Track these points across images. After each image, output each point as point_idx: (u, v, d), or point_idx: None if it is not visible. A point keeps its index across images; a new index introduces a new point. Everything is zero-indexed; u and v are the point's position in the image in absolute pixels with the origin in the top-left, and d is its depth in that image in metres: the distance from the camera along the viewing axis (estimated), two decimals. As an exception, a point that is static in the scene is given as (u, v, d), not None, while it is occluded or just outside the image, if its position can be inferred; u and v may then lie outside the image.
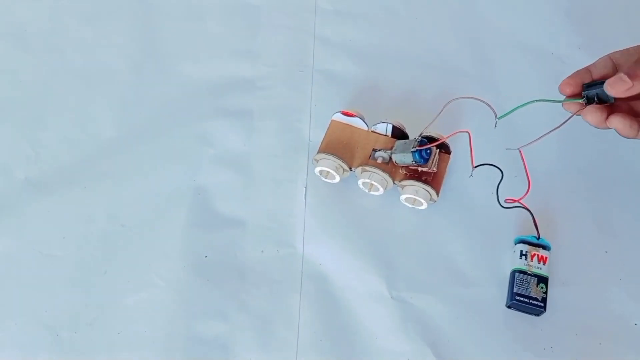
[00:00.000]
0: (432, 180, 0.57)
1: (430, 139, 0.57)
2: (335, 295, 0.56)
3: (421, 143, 0.55)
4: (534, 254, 0.55)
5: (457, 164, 0.60)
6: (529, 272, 0.55)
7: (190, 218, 0.60)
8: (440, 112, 0.52)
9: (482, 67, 0.69)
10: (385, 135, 0.59)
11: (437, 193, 0.57)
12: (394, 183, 0.57)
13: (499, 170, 0.55)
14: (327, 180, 0.60)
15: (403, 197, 0.58)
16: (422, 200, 0.57)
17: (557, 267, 0.56)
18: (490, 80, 0.68)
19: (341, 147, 0.59)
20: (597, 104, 0.47)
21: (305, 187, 0.61)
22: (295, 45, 0.72)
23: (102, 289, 0.57)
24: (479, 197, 0.60)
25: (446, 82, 0.68)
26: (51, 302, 0.56)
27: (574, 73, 0.48)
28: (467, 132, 0.52)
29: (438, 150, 0.57)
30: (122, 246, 0.59)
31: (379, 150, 0.58)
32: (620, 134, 0.47)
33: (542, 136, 0.49)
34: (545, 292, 0.54)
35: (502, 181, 0.56)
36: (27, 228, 0.60)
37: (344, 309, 0.55)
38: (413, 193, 0.57)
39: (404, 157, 0.55)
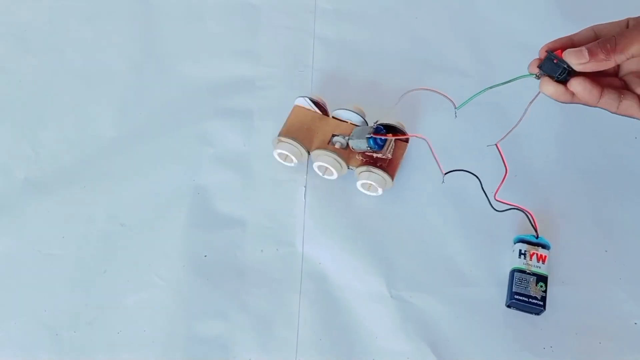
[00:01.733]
0: (387, 166, 0.58)
1: (388, 127, 0.58)
2: (335, 294, 0.56)
3: (377, 130, 0.56)
4: (533, 253, 0.55)
5: (457, 164, 0.60)
6: (528, 271, 0.55)
7: (190, 218, 0.60)
8: (398, 102, 0.54)
9: (482, 67, 0.69)
10: (346, 122, 0.60)
11: (392, 178, 0.58)
12: (349, 168, 0.59)
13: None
14: (286, 163, 0.61)
15: (359, 183, 0.59)
16: (377, 186, 0.58)
17: (557, 266, 0.56)
18: (490, 80, 0.68)
19: (302, 131, 0.60)
20: (560, 77, 0.46)
21: (305, 187, 0.61)
22: (295, 45, 0.72)
23: (102, 288, 0.57)
24: (479, 197, 0.60)
25: (446, 82, 0.68)
26: (51, 301, 0.56)
27: (556, 39, 0.47)
28: (425, 139, 0.53)
29: (394, 138, 0.58)
30: (122, 246, 0.59)
31: (338, 135, 0.59)
32: (580, 101, 0.46)
33: (514, 126, 0.49)
34: (545, 291, 0.54)
35: (504, 182, 0.56)
36: (27, 228, 0.60)
37: (344, 309, 0.55)
38: (366, 178, 0.57)
39: (359, 143, 0.56)
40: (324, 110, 0.62)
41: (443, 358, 0.53)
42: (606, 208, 0.60)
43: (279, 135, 0.60)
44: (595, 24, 0.48)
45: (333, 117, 0.61)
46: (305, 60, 0.71)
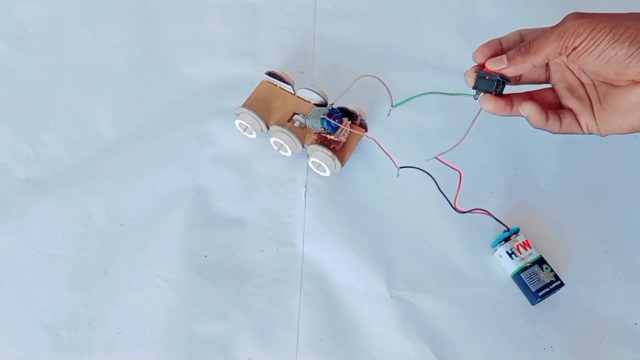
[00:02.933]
0: (339, 150, 0.59)
1: (345, 112, 0.60)
2: (335, 294, 0.56)
3: (331, 113, 0.58)
4: (518, 246, 0.55)
5: (456, 163, 0.60)
6: (528, 265, 0.55)
7: (190, 218, 0.60)
8: (350, 87, 0.56)
9: (482, 67, 0.69)
10: (309, 101, 0.61)
11: (342, 162, 0.59)
12: (303, 146, 0.60)
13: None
14: (245, 134, 0.63)
15: (310, 160, 0.61)
16: (325, 167, 0.59)
17: (557, 266, 0.56)
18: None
19: (264, 106, 0.61)
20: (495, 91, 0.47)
21: (305, 187, 0.61)
22: (295, 45, 0.72)
23: (102, 288, 0.57)
24: (479, 197, 0.60)
25: (446, 82, 0.68)
26: (51, 301, 0.56)
27: (487, 41, 0.49)
28: (374, 139, 0.55)
29: (350, 122, 0.60)
30: (122, 246, 0.59)
31: (298, 114, 0.60)
32: (530, 122, 0.48)
33: (457, 142, 0.49)
34: (552, 269, 0.55)
35: (501, 183, 0.56)
36: (27, 228, 0.60)
37: (343, 309, 0.55)
38: (316, 156, 0.59)
39: (314, 123, 0.58)
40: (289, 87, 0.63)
41: (443, 358, 0.53)
42: (606, 208, 0.60)
43: (242, 105, 0.61)
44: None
45: (297, 96, 0.62)
46: (306, 60, 0.71)
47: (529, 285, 0.54)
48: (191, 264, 0.57)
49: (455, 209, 0.53)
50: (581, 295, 0.56)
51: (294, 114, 0.61)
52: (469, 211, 0.54)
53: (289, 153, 0.61)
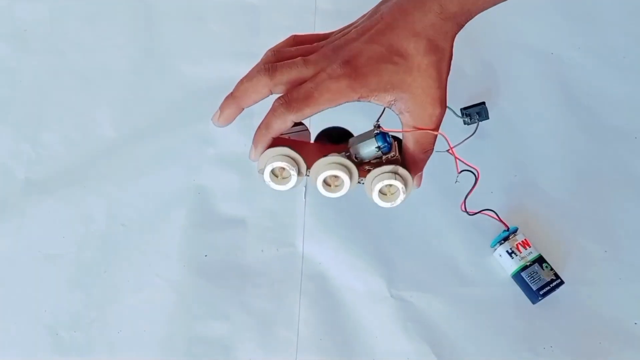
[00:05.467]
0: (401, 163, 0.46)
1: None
2: (335, 294, 0.56)
3: (378, 128, 0.45)
4: (517, 245, 0.55)
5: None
6: (528, 264, 0.55)
7: (190, 218, 0.60)
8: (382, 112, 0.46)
9: (482, 67, 0.69)
10: (330, 142, 0.48)
11: (411, 174, 0.46)
12: (360, 182, 0.46)
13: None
14: (278, 187, 0.46)
15: (375, 191, 0.46)
16: (401, 191, 0.45)
17: (557, 266, 0.56)
18: (490, 80, 0.68)
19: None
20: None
21: (305, 187, 0.61)
22: (295, 46, 0.72)
23: (102, 288, 0.57)
24: (479, 197, 0.60)
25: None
26: (51, 302, 0.56)
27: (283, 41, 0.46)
28: (445, 137, 0.45)
29: (396, 142, 0.46)
30: (122, 246, 0.59)
31: (332, 155, 0.45)
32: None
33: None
34: (552, 268, 0.55)
35: (501, 183, 0.56)
36: (27, 228, 0.59)
37: (343, 309, 0.55)
38: (392, 179, 0.45)
39: (367, 146, 0.45)
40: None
41: (443, 358, 0.53)
42: (606, 208, 0.60)
43: (263, 152, 0.44)
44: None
45: (317, 142, 0.49)
46: (305, 60, 0.71)
47: (529, 284, 0.54)
48: (191, 264, 0.57)
49: (465, 210, 0.53)
50: (581, 295, 0.56)
51: (324, 155, 0.45)
52: (476, 213, 0.54)
53: (344, 189, 0.46)
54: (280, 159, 0.44)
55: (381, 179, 0.45)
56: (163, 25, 0.73)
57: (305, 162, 0.45)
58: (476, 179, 0.50)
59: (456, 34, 0.42)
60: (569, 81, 0.66)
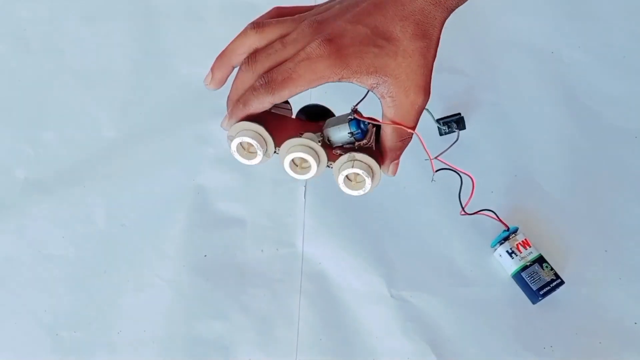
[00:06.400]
0: (373, 151, 0.44)
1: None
2: (335, 294, 0.56)
3: (354, 112, 0.43)
4: (518, 245, 0.55)
5: (455, 163, 0.60)
6: (528, 264, 0.55)
7: (190, 218, 0.60)
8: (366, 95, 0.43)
9: (482, 67, 0.69)
10: (309, 120, 0.47)
11: (380, 164, 0.44)
12: (328, 165, 0.44)
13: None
14: (244, 160, 0.45)
15: (341, 178, 0.44)
16: (364, 176, 0.43)
17: (557, 266, 0.56)
18: (490, 80, 0.68)
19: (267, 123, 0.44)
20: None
21: (305, 187, 0.61)
22: (295, 45, 0.72)
23: (102, 289, 0.57)
24: (479, 197, 0.60)
25: (446, 82, 0.68)
26: (51, 301, 0.56)
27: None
28: (416, 133, 0.42)
29: (374, 124, 0.44)
30: (122, 246, 0.59)
31: (307, 133, 0.44)
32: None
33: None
34: (552, 268, 0.55)
35: (501, 183, 0.56)
36: (27, 228, 0.60)
37: (343, 309, 0.55)
38: (359, 168, 0.43)
39: (339, 130, 0.43)
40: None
41: (443, 358, 0.53)
42: (606, 208, 0.60)
43: (233, 125, 0.44)
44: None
45: (297, 118, 0.48)
46: (305, 60, 0.70)
47: (529, 284, 0.54)
48: (191, 264, 0.57)
49: (464, 212, 0.53)
50: (581, 295, 0.56)
51: (300, 134, 0.44)
52: (475, 213, 0.54)
53: (311, 172, 0.44)
54: (250, 135, 0.43)
55: (342, 168, 0.44)
56: (163, 25, 0.73)
57: (276, 139, 0.44)
58: (472, 185, 0.50)
59: (445, 19, 0.41)
60: (569, 81, 0.66)
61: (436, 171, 0.46)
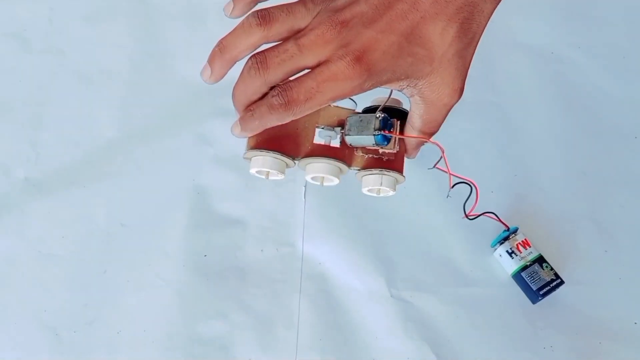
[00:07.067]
0: (394, 160, 0.44)
1: (390, 111, 0.43)
2: (335, 294, 0.56)
3: (384, 123, 0.41)
4: (517, 245, 0.55)
5: (455, 163, 0.60)
6: (528, 264, 0.55)
7: (190, 218, 0.60)
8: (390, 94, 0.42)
9: (482, 67, 0.69)
10: (330, 105, 0.44)
11: (402, 173, 0.44)
12: (349, 168, 0.44)
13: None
14: (271, 179, 0.45)
15: (365, 189, 0.45)
16: (389, 190, 0.44)
17: (557, 266, 0.56)
18: (491, 80, 0.68)
19: (277, 133, 0.43)
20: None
21: (305, 187, 0.61)
22: (295, 45, 0.72)
23: (102, 288, 0.57)
24: (479, 197, 0.60)
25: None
26: (51, 301, 0.56)
27: None
28: (439, 145, 0.42)
29: (399, 122, 0.43)
30: (122, 246, 0.59)
31: (323, 127, 0.43)
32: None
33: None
34: (552, 268, 0.55)
35: (501, 183, 0.56)
36: (27, 228, 0.60)
37: (344, 309, 0.55)
38: (376, 184, 0.44)
39: (362, 139, 0.42)
40: None
41: (443, 358, 0.53)
42: (606, 208, 0.60)
43: (249, 147, 0.44)
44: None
45: None
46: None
47: (530, 284, 0.54)
48: (191, 264, 0.57)
49: (467, 217, 0.52)
50: (581, 295, 0.56)
51: (317, 127, 0.43)
52: (477, 217, 0.54)
53: (335, 182, 0.44)
54: (268, 165, 0.43)
55: (367, 182, 0.45)
56: (163, 25, 0.73)
57: (294, 144, 0.43)
58: (476, 191, 0.48)
59: (493, 11, 0.37)
60: (569, 81, 0.66)
61: (454, 185, 0.46)
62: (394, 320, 0.55)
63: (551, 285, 0.54)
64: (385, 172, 0.43)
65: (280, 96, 0.35)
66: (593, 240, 0.58)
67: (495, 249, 0.56)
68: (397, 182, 0.45)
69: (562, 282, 0.54)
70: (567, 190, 0.61)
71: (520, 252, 0.55)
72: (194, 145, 0.64)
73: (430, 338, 0.54)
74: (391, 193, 0.45)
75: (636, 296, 0.56)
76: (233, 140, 0.64)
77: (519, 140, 0.64)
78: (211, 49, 0.41)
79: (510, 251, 0.55)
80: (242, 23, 0.37)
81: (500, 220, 0.56)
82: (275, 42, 0.36)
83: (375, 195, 0.46)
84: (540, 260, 0.55)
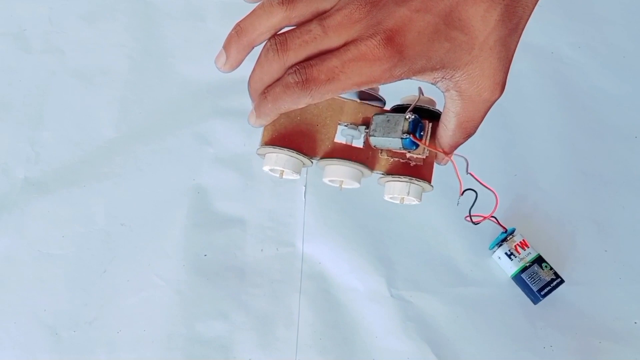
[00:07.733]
0: (422, 167, 0.40)
1: (420, 112, 0.38)
2: (335, 294, 0.56)
3: (413, 126, 0.37)
4: (516, 246, 0.55)
5: (456, 163, 0.60)
6: (528, 265, 0.55)
7: (190, 218, 0.60)
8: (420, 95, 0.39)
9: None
10: (355, 100, 0.40)
11: (430, 182, 0.40)
12: (372, 172, 0.41)
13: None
14: (273, 174, 0.42)
15: (388, 196, 0.41)
16: (414, 199, 0.40)
17: (557, 266, 0.56)
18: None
19: (294, 128, 0.40)
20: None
21: (305, 187, 0.61)
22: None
23: (102, 288, 0.57)
24: (479, 197, 0.60)
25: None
26: (51, 301, 0.56)
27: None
28: (465, 158, 0.40)
29: (431, 124, 0.39)
30: (121, 246, 0.59)
31: (346, 125, 0.39)
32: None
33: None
34: (551, 267, 0.55)
35: (501, 182, 0.56)
36: (27, 228, 0.60)
37: (343, 309, 0.55)
38: (403, 192, 0.40)
39: (388, 142, 0.37)
40: None
41: (443, 358, 0.53)
42: (606, 208, 0.60)
43: (263, 143, 0.40)
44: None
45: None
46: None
47: (530, 285, 0.54)
48: (191, 264, 0.57)
49: (471, 221, 0.52)
50: (581, 295, 0.56)
51: (339, 124, 0.40)
52: (482, 220, 0.53)
53: (356, 186, 0.41)
54: (282, 163, 0.39)
55: (390, 190, 0.41)
56: (163, 25, 0.73)
57: (313, 149, 0.39)
58: (495, 202, 0.45)
59: None
60: (569, 81, 0.66)
61: (463, 191, 0.44)
62: (394, 320, 0.55)
63: (552, 285, 0.54)
64: (415, 181, 0.39)
65: (297, 73, 0.31)
66: (593, 240, 0.58)
67: (494, 251, 0.56)
68: (423, 190, 0.41)
69: (562, 281, 0.54)
70: (567, 190, 0.61)
71: (519, 253, 0.55)
72: (194, 145, 0.64)
73: (430, 338, 0.54)
74: (416, 202, 0.41)
75: (636, 296, 0.56)
76: (233, 140, 0.65)
77: (519, 140, 0.64)
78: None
79: (508, 253, 0.55)
80: (263, 3, 0.33)
81: (498, 223, 0.56)
82: (297, 25, 0.32)
83: (397, 202, 0.41)
84: (539, 260, 0.55)
